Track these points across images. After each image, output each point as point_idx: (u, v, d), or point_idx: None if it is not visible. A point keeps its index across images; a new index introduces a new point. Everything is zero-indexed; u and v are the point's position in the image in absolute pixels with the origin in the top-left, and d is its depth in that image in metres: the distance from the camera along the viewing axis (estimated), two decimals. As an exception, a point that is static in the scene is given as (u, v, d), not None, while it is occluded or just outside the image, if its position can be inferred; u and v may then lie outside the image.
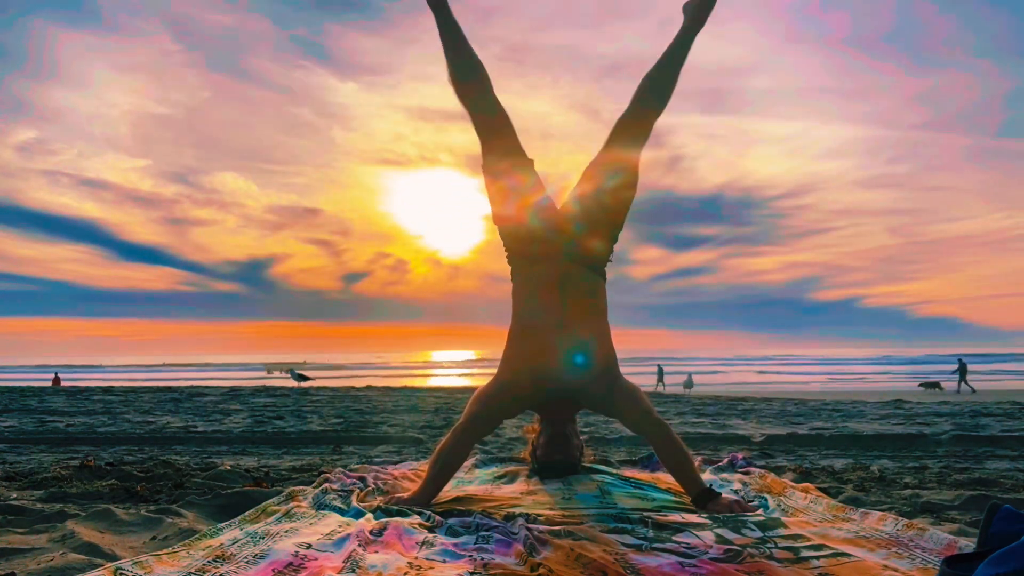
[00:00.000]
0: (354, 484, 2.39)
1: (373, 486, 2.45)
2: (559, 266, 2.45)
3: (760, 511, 2.12)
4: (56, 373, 20.65)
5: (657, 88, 2.59)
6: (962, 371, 17.76)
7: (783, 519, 1.95)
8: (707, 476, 2.71)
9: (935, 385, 17.54)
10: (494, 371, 2.53)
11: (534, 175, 2.58)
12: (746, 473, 2.77)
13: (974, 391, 16.27)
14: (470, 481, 2.74)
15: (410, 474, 2.75)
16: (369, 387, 14.05)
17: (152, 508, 2.14)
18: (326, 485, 2.27)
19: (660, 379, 18.62)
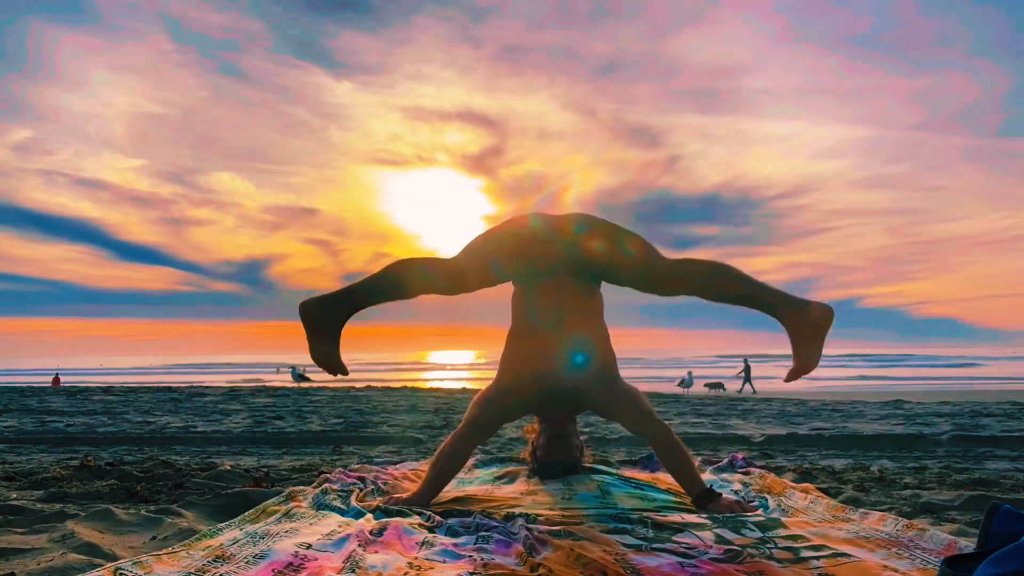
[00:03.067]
0: (354, 484, 2.39)
1: (373, 486, 2.45)
2: (558, 266, 2.45)
3: (760, 511, 2.12)
4: (56, 373, 20.65)
5: (707, 288, 2.38)
6: (747, 371, 18.07)
7: (783, 519, 1.95)
8: (707, 476, 2.71)
9: (719, 386, 17.69)
10: (494, 371, 2.53)
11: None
12: (746, 473, 2.77)
13: (755, 392, 16.45)
14: (470, 481, 2.74)
15: (410, 474, 2.75)
16: (369, 387, 14.05)
17: (152, 508, 2.14)
18: (326, 485, 2.27)
19: (747, 379, 18.01)
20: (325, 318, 2.35)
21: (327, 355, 2.35)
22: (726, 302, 2.40)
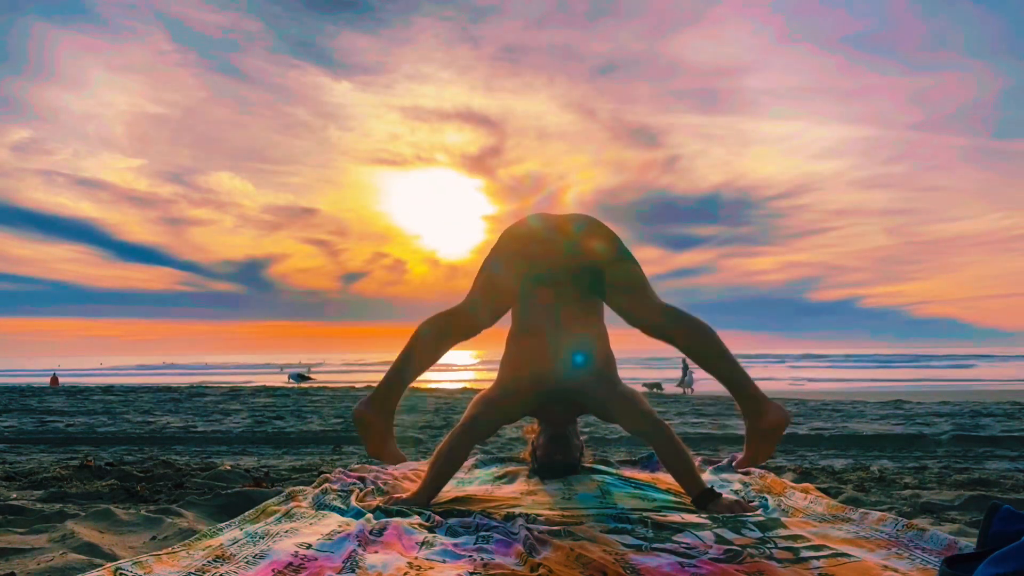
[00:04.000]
0: (354, 484, 2.39)
1: (373, 486, 2.45)
2: (558, 267, 2.45)
3: (760, 511, 2.12)
4: (54, 373, 20.62)
5: (691, 344, 2.40)
6: (684, 371, 18.22)
7: (783, 519, 1.95)
8: (707, 476, 2.71)
9: (657, 385, 17.73)
10: (494, 371, 2.53)
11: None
12: (746, 473, 2.77)
13: (693, 391, 16.50)
14: (470, 481, 2.74)
15: (410, 474, 2.75)
16: (369, 387, 14.06)
17: (152, 508, 2.14)
18: (326, 485, 2.27)
19: (682, 380, 18.05)
20: (379, 421, 2.55)
21: (390, 455, 2.60)
22: (700, 367, 2.44)
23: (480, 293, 2.49)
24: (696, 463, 2.47)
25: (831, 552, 1.60)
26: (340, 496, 2.17)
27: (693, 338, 2.39)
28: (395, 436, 2.62)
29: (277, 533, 1.67)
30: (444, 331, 2.51)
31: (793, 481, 2.69)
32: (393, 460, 2.60)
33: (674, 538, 1.74)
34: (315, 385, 15.69)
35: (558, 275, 2.43)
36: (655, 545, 1.66)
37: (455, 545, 1.67)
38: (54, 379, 17.90)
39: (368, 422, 2.54)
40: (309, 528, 1.76)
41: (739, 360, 2.40)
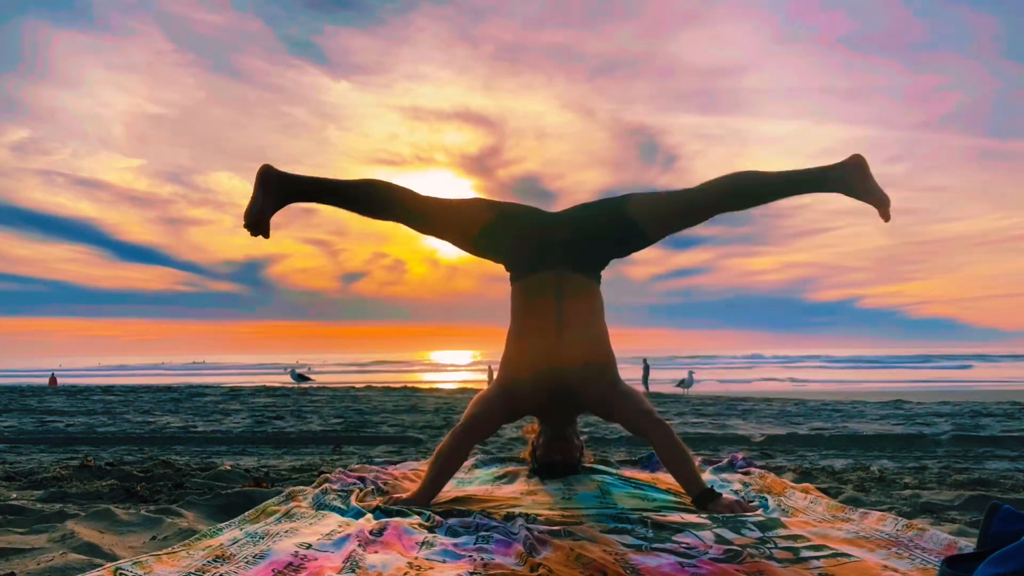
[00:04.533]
0: (354, 484, 2.39)
1: (373, 486, 2.45)
2: (557, 267, 2.44)
3: (760, 511, 2.12)
4: (53, 373, 20.59)
5: (743, 198, 2.45)
6: (645, 372, 18.25)
7: (783, 519, 1.95)
8: (707, 476, 2.71)
9: (683, 383, 17.72)
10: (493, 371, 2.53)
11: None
12: (746, 473, 2.77)
13: (648, 391, 16.50)
14: (470, 481, 2.74)
15: (410, 474, 2.75)
16: (369, 387, 14.06)
17: (152, 508, 2.14)
18: (326, 485, 2.27)
19: (644, 379, 18.06)
20: (278, 186, 2.36)
21: (260, 213, 2.33)
22: (763, 203, 2.47)
23: (451, 222, 2.47)
24: (696, 463, 2.47)
25: (831, 552, 1.60)
26: (340, 496, 2.17)
27: (734, 184, 2.43)
28: (272, 214, 2.37)
29: (277, 533, 1.67)
30: (388, 193, 2.45)
31: (793, 481, 2.69)
32: (256, 225, 2.34)
33: (674, 538, 1.74)
34: (315, 385, 15.69)
35: (559, 272, 2.43)
36: (655, 545, 1.67)
37: (455, 545, 1.67)
38: (52, 379, 17.89)
39: (270, 182, 2.33)
40: (309, 528, 1.76)
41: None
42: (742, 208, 2.48)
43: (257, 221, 2.32)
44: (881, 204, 2.33)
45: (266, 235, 2.37)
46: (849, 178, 2.33)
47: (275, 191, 2.34)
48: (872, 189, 2.32)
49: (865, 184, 2.32)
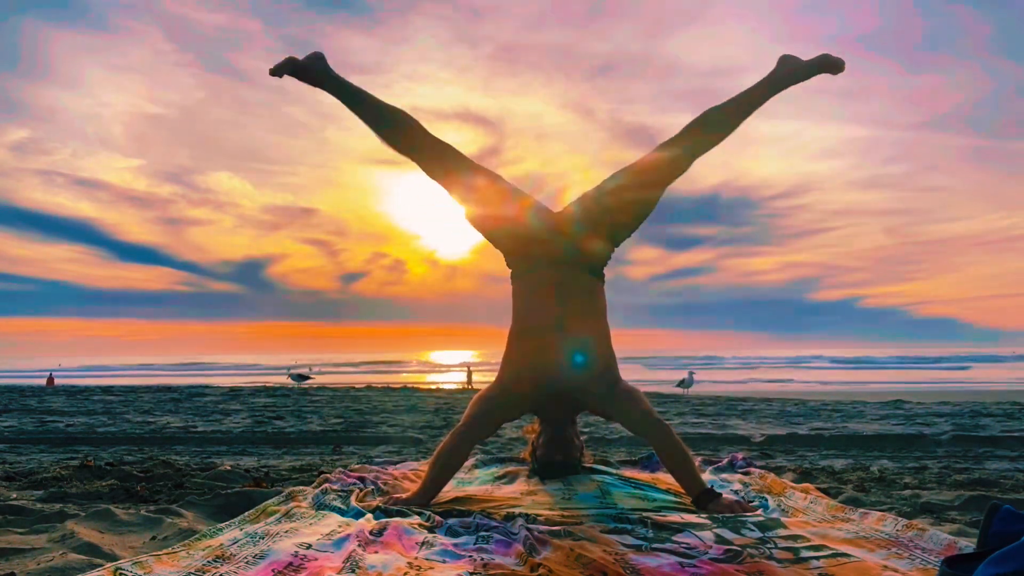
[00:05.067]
0: (354, 484, 2.39)
1: (373, 486, 2.45)
2: (558, 267, 2.45)
3: (760, 511, 2.12)
4: (51, 373, 20.56)
5: (710, 123, 2.54)
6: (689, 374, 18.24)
7: (783, 519, 1.95)
8: (707, 476, 2.71)
9: (683, 382, 17.65)
10: (493, 371, 2.53)
11: (511, 185, 2.57)
12: (746, 473, 2.77)
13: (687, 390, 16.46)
14: (470, 481, 2.74)
15: (410, 474, 2.75)
16: (369, 387, 14.06)
17: (152, 508, 2.14)
18: (326, 485, 2.27)
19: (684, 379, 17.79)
20: (319, 65, 2.49)
21: (287, 62, 2.47)
22: (732, 126, 2.58)
23: (454, 179, 2.53)
24: (696, 463, 2.47)
25: (831, 552, 1.60)
26: (340, 496, 2.17)
27: (705, 120, 2.54)
28: (287, 73, 2.49)
29: (277, 533, 1.67)
30: (415, 126, 2.52)
31: (793, 481, 2.69)
32: (274, 72, 2.47)
33: (674, 538, 1.74)
34: (315, 385, 15.69)
35: (560, 272, 2.44)
36: (655, 545, 1.67)
37: (455, 545, 1.67)
38: (50, 379, 17.86)
39: (315, 60, 2.49)
40: (309, 528, 1.76)
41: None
42: (716, 137, 2.56)
43: (279, 66, 2.47)
44: (825, 62, 2.55)
45: (275, 74, 2.49)
46: (792, 64, 2.56)
47: (314, 67, 2.48)
48: (811, 61, 2.56)
49: (804, 63, 2.56)
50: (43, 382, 17.60)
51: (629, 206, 2.55)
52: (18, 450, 4.76)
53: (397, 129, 2.52)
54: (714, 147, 2.56)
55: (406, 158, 2.55)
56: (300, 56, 2.50)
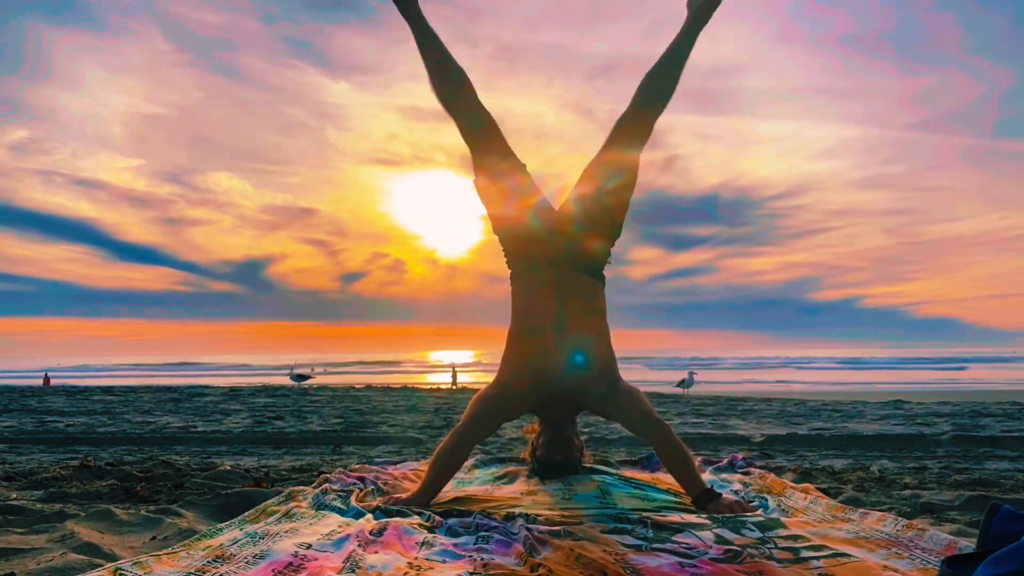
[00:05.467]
0: (354, 484, 2.39)
1: (373, 486, 2.45)
2: (559, 267, 2.45)
3: (760, 511, 2.12)
4: (46, 373, 20.53)
5: (657, 86, 2.57)
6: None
7: (783, 519, 1.95)
8: (707, 476, 2.71)
9: (684, 382, 17.67)
10: (493, 371, 2.53)
11: (530, 177, 2.59)
12: (746, 473, 2.77)
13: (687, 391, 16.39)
14: (470, 481, 2.74)
15: (410, 474, 2.75)
16: (369, 387, 14.06)
17: (152, 508, 2.14)
18: (326, 485, 2.27)
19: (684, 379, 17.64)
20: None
21: None
22: (675, 74, 2.61)
23: (486, 146, 2.57)
24: (696, 463, 2.47)
25: (831, 552, 1.60)
26: (340, 496, 2.17)
27: (654, 73, 2.59)
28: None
29: (277, 533, 1.67)
30: (461, 80, 2.58)
31: (793, 481, 2.69)
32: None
33: (674, 538, 1.74)
34: (315, 385, 15.69)
35: (561, 272, 2.44)
36: (655, 545, 1.67)
37: (455, 545, 1.67)
38: (46, 379, 17.84)
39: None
40: (309, 528, 1.76)
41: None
42: (666, 100, 2.59)
43: None
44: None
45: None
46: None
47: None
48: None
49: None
50: (40, 382, 17.58)
51: (625, 204, 2.56)
52: (18, 450, 4.76)
53: (452, 82, 2.58)
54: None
55: (449, 113, 2.61)
56: None
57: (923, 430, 5.57)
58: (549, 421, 2.76)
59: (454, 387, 15.54)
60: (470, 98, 2.58)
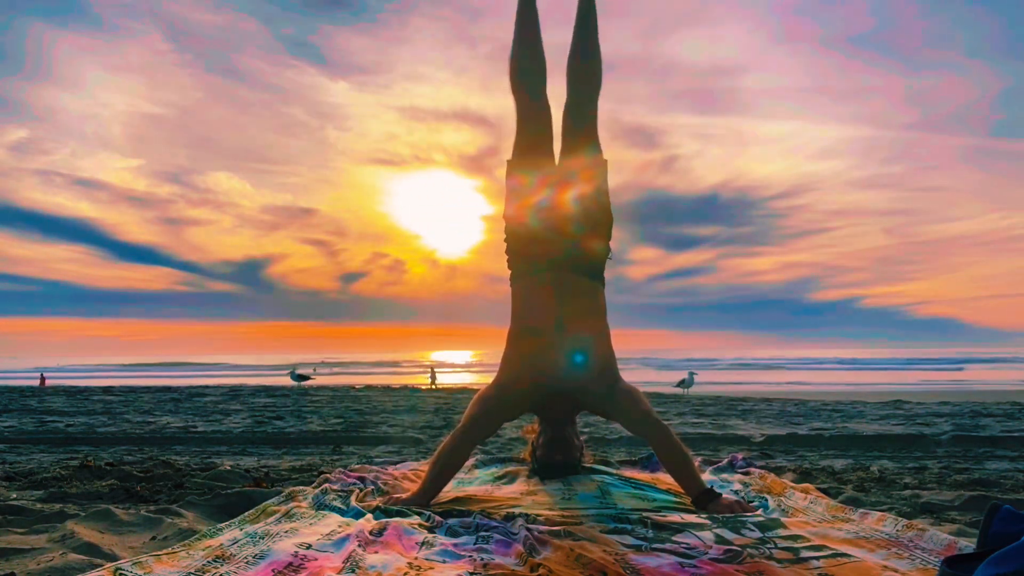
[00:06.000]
0: (354, 484, 2.39)
1: (373, 486, 2.45)
2: (558, 268, 2.45)
3: (760, 511, 2.12)
4: (42, 373, 20.52)
5: (594, 67, 2.68)
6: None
7: (783, 519, 1.95)
8: (707, 476, 2.71)
9: (684, 382, 17.43)
10: (493, 371, 2.53)
11: (555, 171, 2.62)
12: (746, 474, 2.77)
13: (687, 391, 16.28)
14: (470, 481, 2.74)
15: (410, 474, 2.75)
16: (369, 387, 14.06)
17: (152, 508, 2.14)
18: (326, 485, 2.27)
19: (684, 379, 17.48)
20: None
21: None
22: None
23: (529, 127, 2.67)
24: (696, 463, 2.47)
25: (831, 552, 1.60)
26: (340, 496, 2.17)
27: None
28: None
29: (277, 533, 1.67)
30: (540, 64, 2.72)
31: (793, 481, 2.69)
32: None
33: (674, 538, 1.74)
34: (315, 385, 15.68)
35: (560, 272, 2.44)
36: (655, 545, 1.67)
37: (455, 545, 1.67)
38: (42, 379, 17.82)
39: None
40: (309, 528, 1.76)
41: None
42: (597, 63, 2.70)
43: None
44: None
45: None
46: None
47: None
48: None
49: None
50: (36, 382, 17.57)
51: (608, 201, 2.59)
52: (18, 450, 4.76)
53: (535, 61, 2.70)
54: None
55: (515, 89, 2.70)
56: None
57: (923, 430, 5.57)
58: (549, 421, 2.76)
59: (433, 387, 15.49)
60: (541, 84, 2.69)
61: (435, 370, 19.60)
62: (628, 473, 2.85)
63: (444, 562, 1.54)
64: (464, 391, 12.40)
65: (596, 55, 2.69)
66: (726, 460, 3.03)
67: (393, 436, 5.47)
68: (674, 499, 2.30)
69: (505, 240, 2.61)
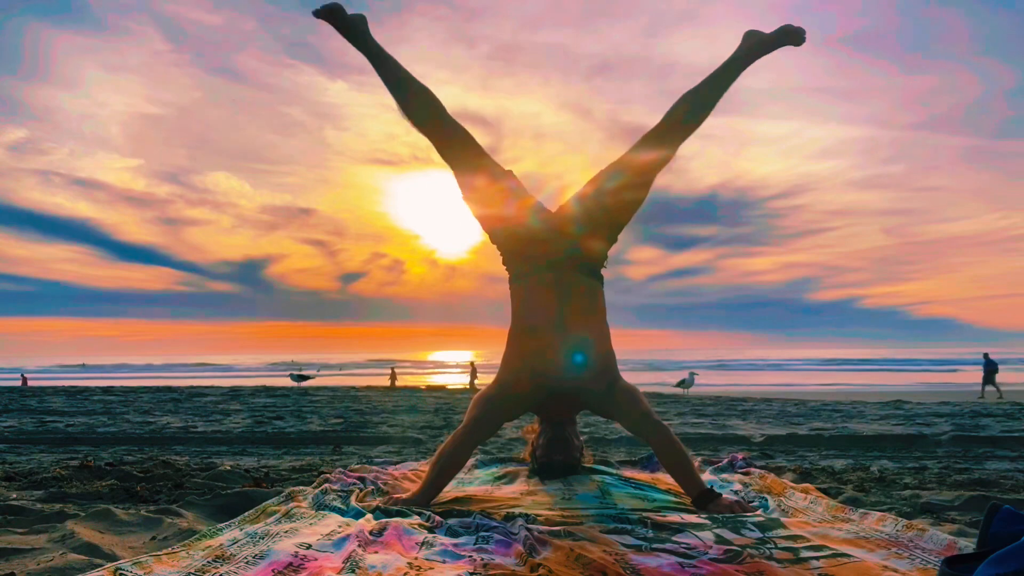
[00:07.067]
0: (354, 484, 2.39)
1: (373, 486, 2.45)
2: (558, 267, 2.45)
3: (760, 511, 2.12)
4: (22, 374, 20.54)
5: (694, 108, 2.56)
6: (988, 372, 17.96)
7: (783, 519, 1.95)
8: (707, 477, 2.71)
9: (683, 382, 16.76)
10: (493, 371, 2.54)
11: (520, 182, 2.58)
12: (746, 474, 2.77)
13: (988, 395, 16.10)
14: (470, 481, 2.74)
15: (410, 474, 2.75)
16: (369, 387, 14.06)
17: (152, 508, 2.14)
18: (326, 485, 2.27)
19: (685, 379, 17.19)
20: (353, 22, 2.55)
21: (335, 15, 2.53)
22: (719, 99, 2.62)
23: (477, 171, 2.54)
24: (696, 463, 2.47)
25: (831, 552, 1.60)
26: (340, 496, 2.17)
27: (683, 103, 2.58)
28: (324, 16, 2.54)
29: (277, 533, 1.67)
30: (424, 95, 2.55)
31: (793, 481, 2.69)
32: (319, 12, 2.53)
33: (674, 538, 1.74)
34: (315, 385, 15.68)
35: (560, 272, 2.44)
36: (655, 545, 1.67)
37: (455, 545, 1.67)
38: (23, 380, 17.82)
39: (354, 20, 2.54)
40: (309, 528, 1.76)
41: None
42: (699, 121, 2.59)
43: (327, 8, 2.52)
44: (788, 31, 2.60)
45: (317, 15, 2.54)
46: (756, 37, 2.61)
47: (357, 27, 2.54)
48: (775, 32, 2.61)
49: (769, 35, 2.61)
50: (18, 382, 17.56)
51: (628, 206, 2.55)
52: (18, 450, 4.76)
53: (415, 100, 2.55)
54: (696, 130, 2.61)
55: (420, 132, 2.57)
56: (348, 10, 2.55)
57: (923, 430, 5.57)
58: (549, 421, 2.76)
59: (393, 387, 15.41)
60: (440, 115, 2.54)
61: (395, 370, 19.61)
62: (628, 473, 2.85)
63: (444, 562, 1.54)
64: (464, 391, 12.39)
65: (710, 107, 2.58)
66: (726, 460, 3.03)
67: (393, 436, 5.48)
68: (674, 499, 2.30)
69: (493, 242, 2.60)
